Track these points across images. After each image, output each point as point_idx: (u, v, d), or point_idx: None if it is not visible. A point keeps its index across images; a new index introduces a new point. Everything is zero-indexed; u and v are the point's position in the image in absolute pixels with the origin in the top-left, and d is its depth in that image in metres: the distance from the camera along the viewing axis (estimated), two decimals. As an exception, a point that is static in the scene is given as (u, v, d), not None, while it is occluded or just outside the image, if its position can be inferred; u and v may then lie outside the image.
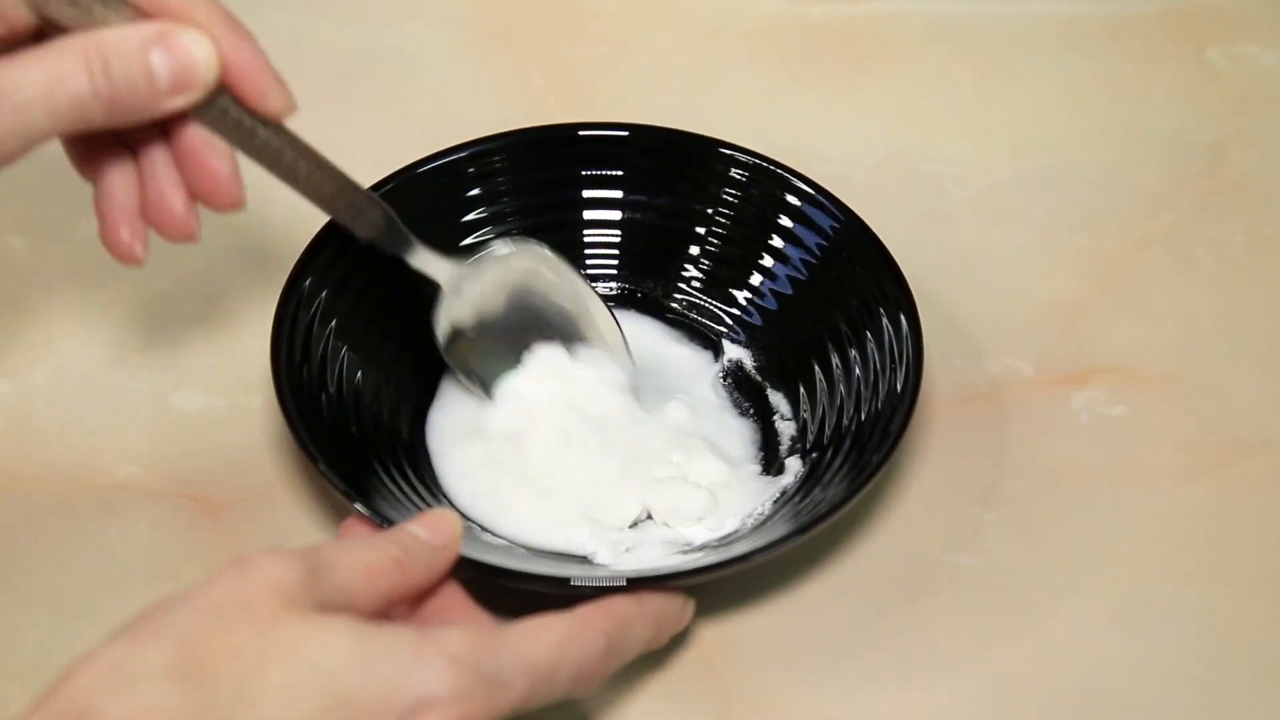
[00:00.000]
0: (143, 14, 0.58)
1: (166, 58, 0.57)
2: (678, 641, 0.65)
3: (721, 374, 0.74)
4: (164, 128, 0.60)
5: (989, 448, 0.72)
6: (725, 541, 0.67)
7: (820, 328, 0.72)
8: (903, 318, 0.69)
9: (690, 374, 0.74)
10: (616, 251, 0.75)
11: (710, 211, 0.75)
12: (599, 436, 0.69)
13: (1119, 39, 0.90)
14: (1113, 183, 0.84)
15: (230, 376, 0.73)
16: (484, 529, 0.67)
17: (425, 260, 0.68)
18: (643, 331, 0.74)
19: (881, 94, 0.88)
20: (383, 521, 0.62)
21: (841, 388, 0.70)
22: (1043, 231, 0.81)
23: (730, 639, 0.66)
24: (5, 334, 0.75)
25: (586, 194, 0.75)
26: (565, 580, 0.61)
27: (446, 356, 0.70)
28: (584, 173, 0.75)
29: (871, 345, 0.70)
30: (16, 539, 0.68)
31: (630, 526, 0.68)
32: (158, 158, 0.61)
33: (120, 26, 0.57)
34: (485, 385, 0.70)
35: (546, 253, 0.71)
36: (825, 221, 0.73)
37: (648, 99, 0.86)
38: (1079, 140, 0.86)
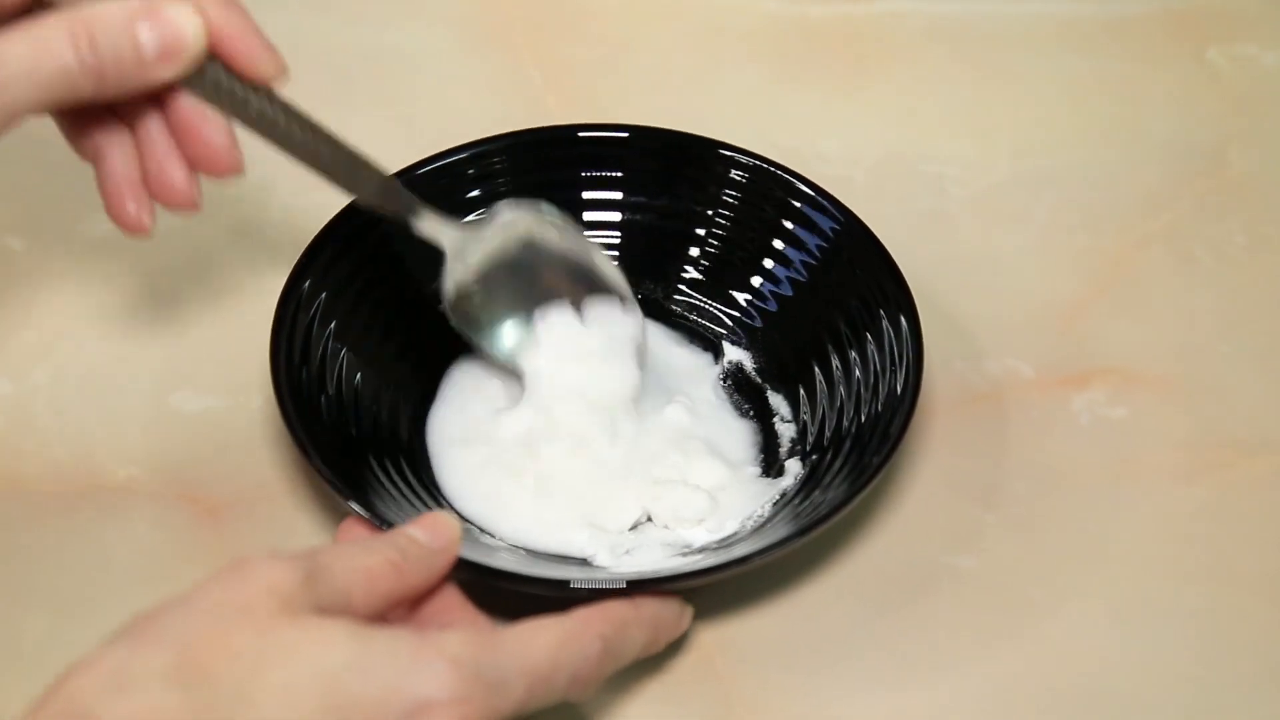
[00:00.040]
0: None
1: (153, 29, 0.58)
2: (677, 644, 0.65)
3: (721, 376, 0.74)
4: (158, 100, 0.61)
5: (989, 449, 0.72)
6: (725, 544, 0.67)
7: (820, 329, 0.72)
8: (903, 319, 0.69)
9: (690, 376, 0.74)
10: (616, 253, 0.75)
11: (710, 213, 0.75)
12: (609, 433, 0.69)
13: (1119, 39, 0.90)
14: (1113, 183, 0.84)
15: (230, 378, 0.73)
16: (483, 531, 0.67)
17: (428, 223, 0.68)
18: (642, 333, 0.75)
19: (881, 94, 0.88)
20: (381, 523, 0.62)
21: (841, 389, 0.70)
22: (1043, 232, 0.81)
23: (730, 641, 0.66)
24: (5, 334, 0.75)
25: (586, 195, 0.75)
26: (565, 583, 0.61)
27: (453, 320, 0.70)
28: (583, 174, 0.75)
29: (871, 347, 0.70)
30: (16, 539, 0.68)
31: (630, 529, 0.68)
32: (154, 131, 0.61)
33: (107, 0, 0.57)
34: (492, 348, 0.70)
35: (548, 210, 0.71)
36: (825, 223, 0.73)
37: (648, 99, 0.86)
38: (1079, 140, 0.86)
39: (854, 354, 0.70)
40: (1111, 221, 0.82)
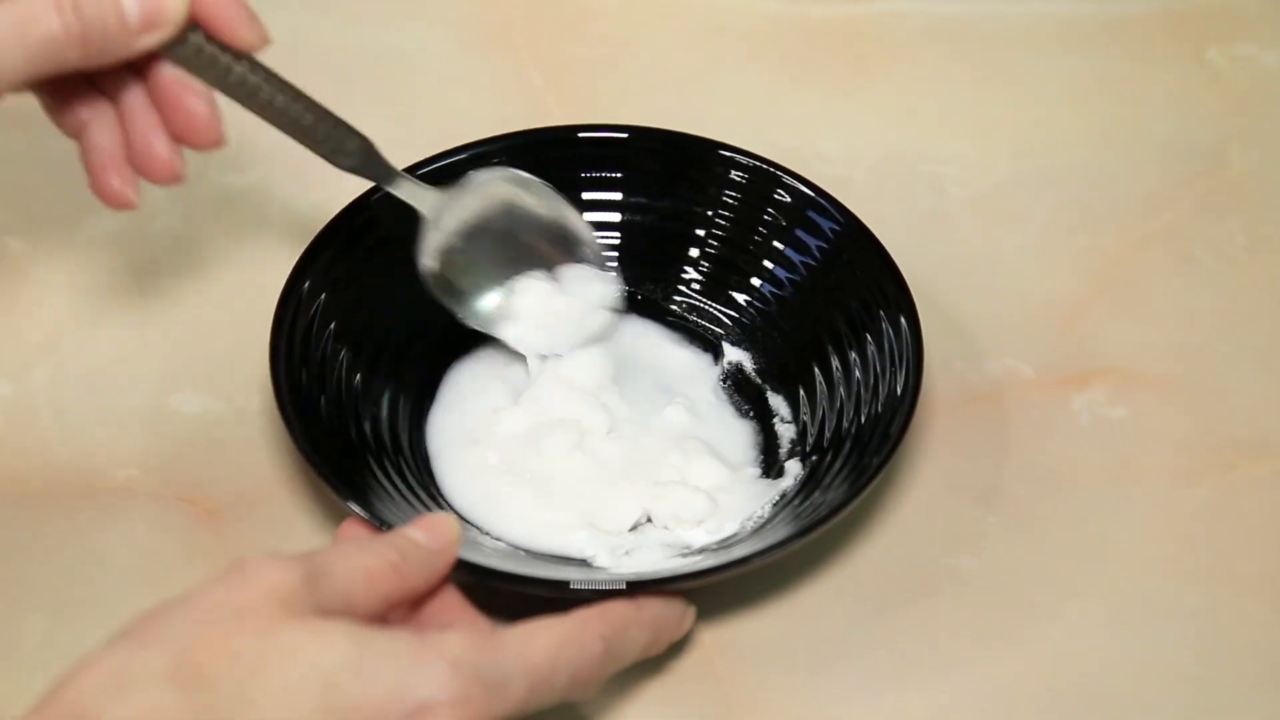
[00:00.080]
0: None
1: None
2: (678, 645, 0.65)
3: (721, 376, 0.74)
4: (141, 72, 0.61)
5: (989, 449, 0.72)
6: (725, 544, 0.67)
7: (820, 330, 0.72)
8: (903, 320, 0.69)
9: (690, 376, 0.73)
10: (616, 254, 0.75)
11: (710, 214, 0.75)
12: (601, 413, 0.69)
13: (1119, 39, 0.90)
14: (1113, 183, 0.84)
15: (229, 379, 0.73)
16: (482, 532, 0.67)
17: (406, 189, 0.68)
18: (642, 334, 0.74)
19: (881, 94, 0.88)
20: (381, 524, 0.62)
21: (841, 390, 0.70)
22: (1043, 232, 0.81)
23: (730, 641, 0.66)
24: (4, 335, 0.75)
25: (586, 196, 0.75)
26: (564, 584, 0.61)
27: (431, 288, 0.70)
28: (583, 175, 0.75)
29: (871, 347, 0.69)
30: (15, 540, 0.68)
31: (629, 530, 0.68)
32: (137, 103, 0.62)
33: None
34: (470, 315, 0.71)
35: (522, 174, 0.71)
36: (825, 223, 0.73)
37: (648, 99, 0.86)
38: (1079, 140, 0.86)
39: (854, 354, 0.70)
40: (1112, 221, 0.82)
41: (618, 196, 0.75)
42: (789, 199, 0.73)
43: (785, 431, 0.71)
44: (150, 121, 0.62)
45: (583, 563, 0.66)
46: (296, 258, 0.70)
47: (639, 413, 0.71)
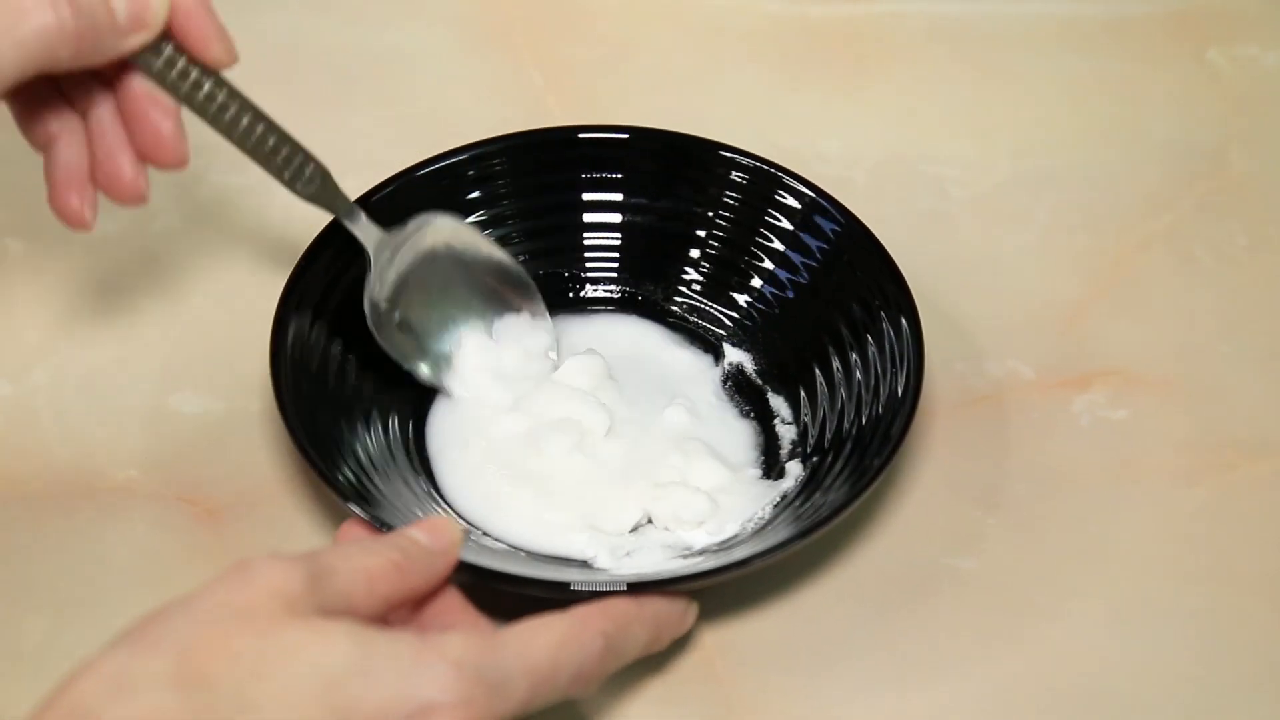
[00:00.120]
0: None
1: None
2: (678, 645, 0.65)
3: (722, 377, 0.74)
4: (111, 85, 0.61)
5: (990, 450, 0.72)
6: (725, 546, 0.67)
7: (821, 331, 0.72)
8: (904, 321, 0.69)
9: (690, 377, 0.73)
10: (617, 254, 0.75)
11: (711, 214, 0.75)
12: (599, 411, 0.69)
13: (1119, 39, 0.90)
14: (1113, 183, 0.84)
15: (229, 379, 0.73)
16: (483, 533, 0.67)
17: (357, 225, 0.69)
18: (643, 335, 0.75)
19: (882, 94, 0.87)
20: (381, 525, 0.62)
21: (842, 391, 0.70)
22: (1043, 232, 0.81)
23: (731, 642, 0.66)
24: (4, 336, 0.75)
25: (586, 197, 0.75)
26: (565, 585, 0.61)
27: (374, 326, 0.69)
28: (584, 175, 0.75)
29: (872, 348, 0.69)
30: (15, 541, 0.68)
31: (630, 531, 0.68)
32: (106, 119, 0.62)
33: None
34: (415, 369, 0.70)
35: (457, 223, 0.71)
36: (826, 224, 0.73)
37: (648, 99, 0.86)
38: (1079, 141, 0.86)
39: (855, 356, 0.70)
40: (1112, 222, 0.82)
41: (618, 197, 0.75)
42: (790, 200, 0.73)
43: (786, 432, 0.71)
44: (118, 139, 0.62)
45: (583, 564, 0.66)
46: (297, 258, 0.70)
47: (639, 413, 0.71)
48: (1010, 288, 0.79)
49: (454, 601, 0.59)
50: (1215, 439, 0.73)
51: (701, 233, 0.75)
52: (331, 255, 0.71)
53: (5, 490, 0.70)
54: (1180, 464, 0.72)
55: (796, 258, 0.73)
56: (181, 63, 0.61)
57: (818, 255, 0.73)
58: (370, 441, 0.69)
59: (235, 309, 0.76)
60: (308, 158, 0.66)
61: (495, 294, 0.72)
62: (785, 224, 0.74)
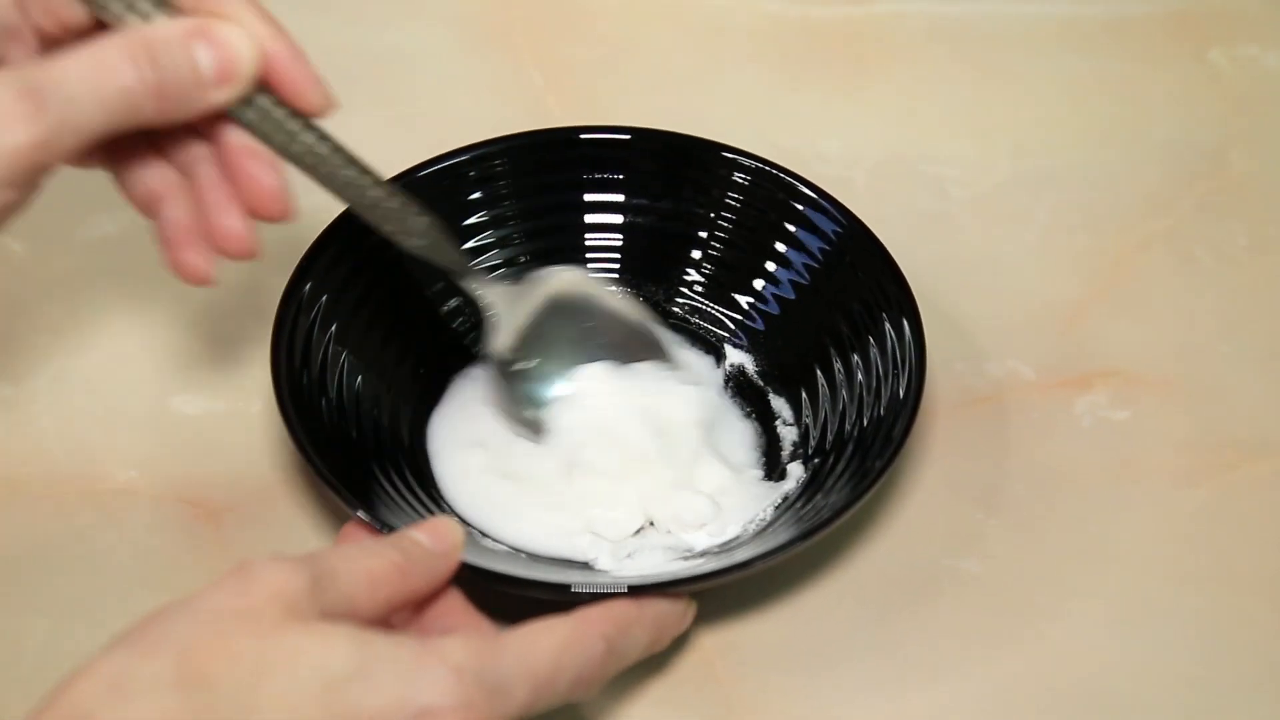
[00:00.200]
0: (183, 11, 0.58)
1: (210, 49, 0.58)
2: (679, 647, 0.65)
3: (723, 379, 0.74)
4: (209, 140, 0.60)
5: (991, 451, 0.72)
6: (727, 547, 0.67)
7: (822, 332, 0.72)
8: (905, 322, 0.69)
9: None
10: (618, 255, 0.75)
11: (712, 215, 0.75)
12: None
13: (1120, 39, 0.90)
14: (1114, 184, 0.84)
15: (230, 381, 0.73)
16: (484, 534, 0.67)
17: (472, 281, 0.68)
18: (644, 335, 0.74)
19: (882, 95, 0.87)
20: (383, 527, 0.62)
21: (844, 393, 0.70)
22: (1044, 233, 0.81)
23: (731, 644, 0.66)
24: (5, 338, 0.75)
25: (588, 197, 0.75)
26: (566, 587, 0.61)
27: (500, 383, 0.69)
28: (585, 176, 0.75)
29: (874, 350, 0.69)
30: (16, 542, 0.68)
31: (632, 533, 0.68)
32: (209, 176, 0.61)
33: (163, 21, 0.57)
34: (536, 409, 0.70)
35: (585, 274, 0.71)
36: (827, 226, 0.73)
37: (648, 99, 0.86)
38: (1080, 141, 0.86)
39: (856, 357, 0.70)
40: (1112, 222, 0.82)
41: (619, 198, 0.75)
42: (791, 201, 0.73)
43: (787, 434, 0.71)
44: (223, 194, 0.61)
45: (584, 565, 0.66)
46: (298, 259, 0.70)
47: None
48: (1010, 288, 0.79)
49: (456, 603, 0.59)
50: (1216, 439, 0.73)
51: (703, 234, 0.75)
52: (333, 255, 0.71)
53: (6, 491, 0.70)
54: (1181, 464, 0.72)
55: (797, 258, 0.73)
56: (277, 114, 0.60)
57: (818, 256, 0.73)
58: (371, 442, 0.69)
59: (236, 310, 0.76)
60: (417, 211, 0.64)
61: (627, 342, 0.71)
62: (786, 225, 0.73)
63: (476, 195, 0.74)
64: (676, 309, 0.75)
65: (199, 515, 0.69)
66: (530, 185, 0.75)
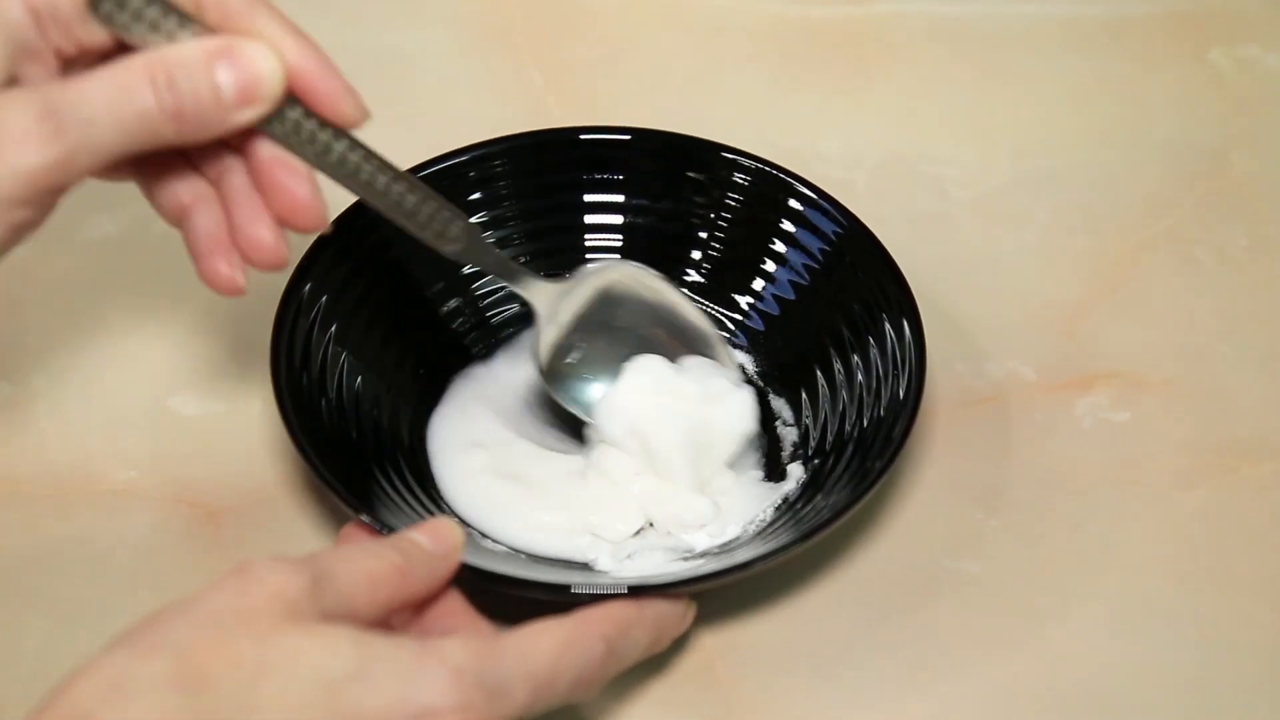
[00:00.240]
0: (207, 29, 0.58)
1: (231, 71, 0.57)
2: (679, 647, 0.65)
3: (723, 379, 0.74)
4: (240, 151, 0.60)
5: (991, 452, 0.72)
6: (727, 548, 0.67)
7: (823, 333, 0.72)
8: (905, 323, 0.69)
9: (692, 379, 0.73)
10: (618, 256, 0.75)
11: (712, 215, 0.75)
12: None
13: (1120, 40, 0.90)
14: (1114, 184, 0.84)
15: (230, 381, 0.73)
16: (484, 535, 0.67)
17: (520, 281, 0.68)
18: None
19: (882, 95, 0.87)
20: (383, 528, 0.62)
21: (844, 393, 0.70)
22: (1044, 233, 0.81)
23: (732, 645, 0.66)
24: (5, 338, 0.75)
25: (588, 198, 0.75)
26: (566, 587, 0.61)
27: (546, 381, 0.69)
28: (585, 176, 0.75)
29: (874, 351, 0.69)
30: (15, 543, 0.68)
31: (632, 534, 0.68)
32: (239, 186, 0.60)
33: (184, 42, 0.57)
34: (585, 406, 0.70)
35: (636, 266, 0.71)
36: (827, 226, 0.73)
37: (648, 99, 0.86)
38: (1080, 141, 0.86)
39: (856, 358, 0.70)
40: (1113, 223, 0.82)
41: (619, 198, 0.75)
42: (791, 201, 0.73)
43: (787, 435, 0.71)
44: (254, 205, 0.60)
45: (584, 566, 0.66)
46: (298, 259, 0.70)
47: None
48: (1011, 288, 0.79)
49: (456, 604, 0.59)
50: (1216, 440, 0.73)
51: (703, 234, 0.75)
52: (332, 257, 0.71)
53: (5, 491, 0.70)
54: (1181, 465, 0.72)
55: (798, 259, 0.73)
56: (308, 126, 0.59)
57: (819, 256, 0.73)
58: (371, 443, 0.69)
59: (235, 310, 0.76)
60: (452, 215, 0.64)
61: (675, 337, 0.71)
62: (786, 225, 0.73)
63: (476, 195, 0.74)
64: (676, 309, 0.75)
65: (199, 516, 0.69)
66: (530, 185, 0.75)
